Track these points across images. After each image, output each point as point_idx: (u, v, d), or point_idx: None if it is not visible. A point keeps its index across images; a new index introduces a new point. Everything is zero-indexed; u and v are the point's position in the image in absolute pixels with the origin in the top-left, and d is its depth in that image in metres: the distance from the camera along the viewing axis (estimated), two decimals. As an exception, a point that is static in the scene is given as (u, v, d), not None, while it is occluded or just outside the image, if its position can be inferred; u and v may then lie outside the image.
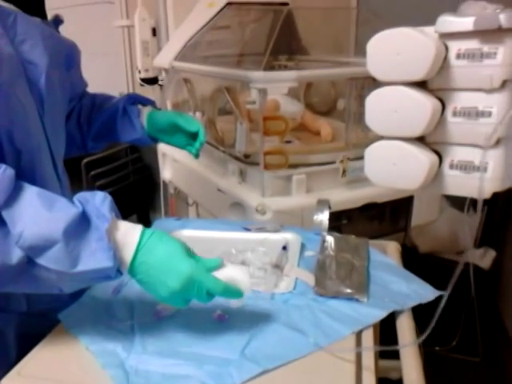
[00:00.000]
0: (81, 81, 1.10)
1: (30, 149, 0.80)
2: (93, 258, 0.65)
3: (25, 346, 0.78)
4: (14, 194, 0.65)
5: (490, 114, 0.62)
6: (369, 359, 0.73)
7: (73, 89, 1.02)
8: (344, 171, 1.43)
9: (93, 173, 2.27)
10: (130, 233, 0.69)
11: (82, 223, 0.67)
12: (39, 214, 0.65)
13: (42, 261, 0.64)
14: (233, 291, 0.73)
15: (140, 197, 2.59)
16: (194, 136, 1.11)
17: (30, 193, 0.67)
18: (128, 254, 0.68)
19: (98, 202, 0.68)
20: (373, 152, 0.69)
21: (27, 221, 0.64)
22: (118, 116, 1.10)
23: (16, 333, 0.85)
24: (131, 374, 0.69)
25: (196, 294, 0.71)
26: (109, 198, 0.70)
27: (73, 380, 0.70)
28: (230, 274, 0.74)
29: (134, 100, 1.14)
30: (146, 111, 1.12)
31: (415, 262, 1.15)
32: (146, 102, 1.15)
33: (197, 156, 1.13)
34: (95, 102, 1.14)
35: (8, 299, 0.84)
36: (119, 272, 0.69)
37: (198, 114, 1.71)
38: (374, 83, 0.73)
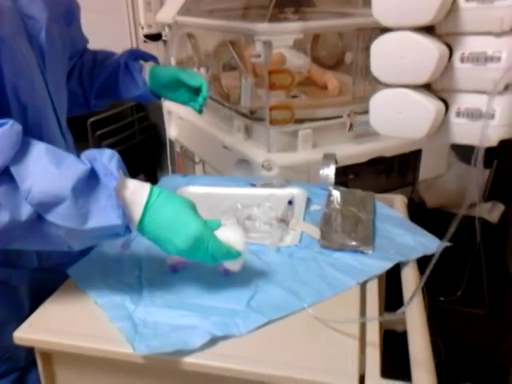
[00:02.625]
0: (81, 37, 1.08)
1: (35, 104, 0.79)
2: (102, 215, 0.65)
3: (37, 300, 0.80)
4: (22, 150, 0.65)
5: (499, 59, 0.60)
6: (373, 309, 0.73)
7: (73, 45, 1.01)
8: (351, 125, 1.41)
9: (99, 132, 2.26)
10: (138, 192, 0.69)
11: (90, 180, 0.66)
12: (47, 170, 0.64)
13: (50, 217, 0.64)
14: (232, 254, 0.74)
15: (147, 156, 2.58)
16: (197, 91, 1.10)
17: (38, 149, 0.66)
18: (136, 213, 0.68)
19: (106, 159, 0.68)
20: (378, 101, 0.67)
21: (36, 177, 0.63)
22: (119, 72, 1.09)
23: (28, 288, 0.87)
24: (139, 326, 0.70)
25: (202, 255, 0.71)
26: (116, 155, 0.69)
27: (83, 332, 0.71)
28: (225, 235, 0.74)
29: (136, 55, 1.12)
30: (147, 67, 1.10)
31: (423, 216, 1.15)
32: (147, 57, 1.13)
33: (200, 112, 1.12)
34: (96, 58, 1.12)
35: (20, 256, 0.85)
36: (128, 229, 0.69)
37: (202, 70, 1.68)
38: (381, 34, 0.70)
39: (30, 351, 0.77)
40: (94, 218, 0.65)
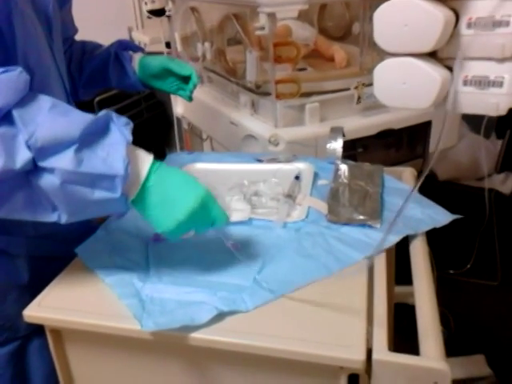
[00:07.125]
0: (72, 25, 1.09)
1: (41, 73, 0.79)
2: (104, 162, 0.62)
3: (35, 268, 0.82)
4: (28, 97, 0.63)
5: (508, 24, 0.57)
6: (381, 283, 0.73)
7: (64, 29, 1.00)
8: (359, 98, 1.38)
9: (106, 111, 2.25)
10: (143, 154, 0.68)
11: (100, 130, 0.64)
12: (55, 116, 0.62)
13: (47, 163, 0.60)
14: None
15: (155, 134, 2.57)
16: (185, 80, 1.13)
17: (46, 99, 0.64)
18: (144, 168, 0.66)
19: (122, 123, 0.67)
20: (381, 71, 0.65)
21: (41, 121, 0.61)
22: (109, 61, 1.11)
23: (26, 256, 0.87)
24: (147, 303, 0.71)
25: (207, 218, 0.70)
26: (131, 124, 0.68)
27: (91, 310, 0.72)
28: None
29: (125, 46, 1.14)
30: (137, 57, 1.13)
31: (434, 189, 1.13)
32: (135, 48, 1.16)
33: (190, 99, 1.16)
34: (85, 48, 1.14)
35: (15, 223, 0.84)
36: (125, 203, 0.65)
37: (206, 45, 1.66)
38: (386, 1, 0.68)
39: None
40: (97, 164, 0.62)
